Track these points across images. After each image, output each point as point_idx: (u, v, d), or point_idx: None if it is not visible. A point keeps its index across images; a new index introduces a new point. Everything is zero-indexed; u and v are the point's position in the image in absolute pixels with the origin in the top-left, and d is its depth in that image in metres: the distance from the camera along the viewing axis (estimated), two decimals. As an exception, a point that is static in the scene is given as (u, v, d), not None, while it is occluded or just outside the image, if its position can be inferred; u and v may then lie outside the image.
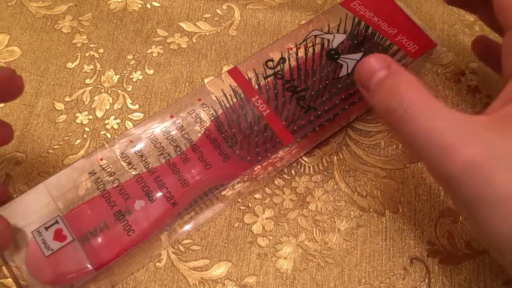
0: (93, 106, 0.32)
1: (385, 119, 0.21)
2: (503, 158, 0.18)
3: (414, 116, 0.19)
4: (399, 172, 0.30)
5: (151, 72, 0.33)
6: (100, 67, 0.33)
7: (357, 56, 0.28)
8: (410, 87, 0.20)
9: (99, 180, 0.25)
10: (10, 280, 0.27)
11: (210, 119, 0.27)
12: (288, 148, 0.27)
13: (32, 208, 0.25)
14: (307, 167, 0.30)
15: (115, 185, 0.25)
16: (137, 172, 0.26)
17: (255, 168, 0.26)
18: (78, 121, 0.31)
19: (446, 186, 0.20)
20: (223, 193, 0.27)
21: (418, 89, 0.20)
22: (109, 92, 0.32)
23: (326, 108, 0.27)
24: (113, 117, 0.31)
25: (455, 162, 0.18)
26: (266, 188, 0.29)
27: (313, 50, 0.28)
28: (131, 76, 0.33)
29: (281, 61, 0.28)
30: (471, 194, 0.18)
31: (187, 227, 0.27)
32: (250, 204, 0.29)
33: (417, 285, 0.27)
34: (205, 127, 0.27)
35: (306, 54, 0.28)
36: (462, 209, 0.21)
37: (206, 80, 0.33)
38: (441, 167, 0.19)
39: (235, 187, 0.27)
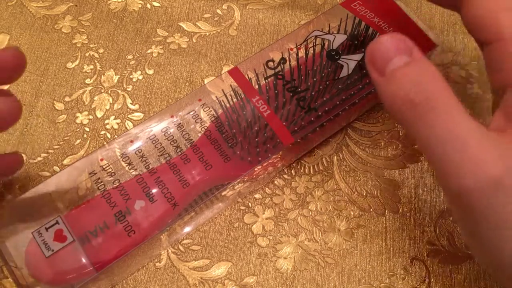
0: (93, 106, 0.32)
1: (398, 111, 0.19)
2: None
3: (440, 116, 0.18)
4: (399, 172, 0.30)
5: (151, 72, 0.33)
6: (100, 67, 0.33)
7: (358, 56, 0.28)
8: (437, 83, 0.18)
9: (99, 180, 0.25)
10: (10, 280, 0.27)
11: (211, 119, 0.27)
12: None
13: (32, 208, 0.25)
14: (307, 167, 0.30)
15: (115, 185, 0.25)
16: (137, 173, 0.26)
17: (256, 169, 0.26)
18: (78, 121, 0.31)
19: (457, 199, 0.18)
20: (223, 193, 0.27)
21: (444, 87, 0.18)
22: (109, 92, 0.32)
23: (326, 108, 0.27)
24: (113, 117, 0.31)
25: (479, 175, 0.17)
26: (266, 188, 0.29)
27: (314, 50, 0.29)
28: (131, 76, 0.33)
29: (282, 61, 0.28)
30: (487, 211, 0.17)
31: (187, 227, 0.27)
32: (250, 204, 0.29)
33: (417, 285, 0.27)
34: (205, 127, 0.27)
35: (306, 54, 0.28)
36: (467, 227, 0.19)
37: (206, 80, 0.33)
38: (460, 178, 0.17)
39: (235, 187, 0.27)
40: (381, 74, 0.19)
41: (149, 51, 0.34)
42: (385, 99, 0.19)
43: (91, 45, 0.34)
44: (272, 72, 0.28)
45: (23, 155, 0.30)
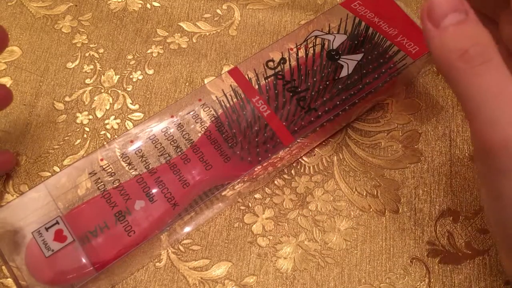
0: (93, 106, 0.32)
1: (448, 61, 0.20)
2: None
3: (494, 69, 0.19)
4: (399, 172, 0.30)
5: (151, 72, 0.33)
6: (100, 67, 0.33)
7: (358, 56, 0.28)
8: (491, 41, 0.19)
9: (99, 180, 0.25)
10: (10, 280, 0.27)
11: (211, 119, 0.27)
12: (288, 149, 0.27)
13: (32, 208, 0.25)
14: (307, 167, 0.30)
15: (115, 185, 0.25)
16: (137, 173, 0.26)
17: (255, 169, 0.26)
18: (78, 121, 0.31)
19: (490, 154, 0.19)
20: (223, 193, 0.27)
21: (496, 48, 0.19)
22: (109, 92, 0.32)
23: (326, 108, 0.27)
24: (113, 117, 0.31)
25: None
26: (266, 188, 0.29)
27: (314, 50, 0.29)
28: (131, 76, 0.33)
29: (282, 61, 0.28)
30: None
31: (187, 227, 0.27)
32: (250, 204, 0.29)
33: (417, 285, 0.27)
34: (205, 127, 0.27)
35: (306, 54, 0.28)
36: (493, 187, 0.20)
37: (206, 80, 0.33)
38: (500, 131, 0.18)
39: (235, 187, 0.27)
40: (436, 26, 0.20)
41: (149, 51, 0.34)
42: (435, 50, 0.20)
43: (91, 45, 0.34)
44: (272, 72, 0.28)
45: (23, 154, 0.30)
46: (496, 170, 0.19)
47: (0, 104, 0.27)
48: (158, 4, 0.35)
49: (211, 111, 0.27)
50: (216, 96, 0.28)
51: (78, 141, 0.31)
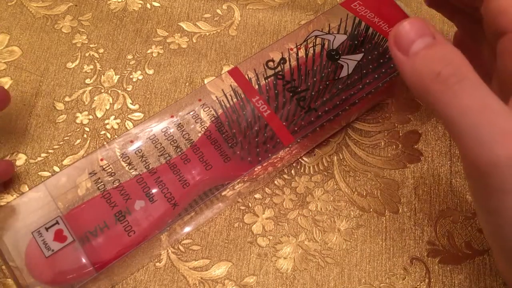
0: (93, 106, 0.32)
1: (423, 86, 0.19)
2: None
3: (469, 87, 0.18)
4: (399, 172, 0.30)
5: (151, 72, 0.33)
6: (100, 67, 0.33)
7: (358, 56, 0.28)
8: (463, 60, 0.19)
9: (99, 180, 0.25)
10: (10, 280, 0.27)
11: (211, 119, 0.27)
12: (288, 149, 0.27)
13: (32, 208, 0.25)
14: (307, 167, 0.30)
15: (115, 185, 0.25)
16: (137, 173, 0.26)
17: (255, 169, 0.26)
18: (78, 121, 0.31)
19: (481, 174, 0.18)
20: (223, 193, 0.27)
21: (470, 65, 0.19)
22: (109, 92, 0.32)
23: (326, 108, 0.27)
24: (113, 117, 0.31)
25: (506, 149, 0.17)
26: (266, 188, 0.29)
27: (314, 50, 0.29)
28: (131, 76, 0.33)
29: (282, 61, 0.28)
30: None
31: (187, 227, 0.27)
32: (250, 204, 0.29)
33: (417, 285, 0.27)
34: (205, 127, 0.27)
35: (306, 54, 0.28)
36: (486, 202, 0.20)
37: (206, 80, 0.33)
38: (487, 151, 0.18)
39: (235, 187, 0.27)
40: (405, 54, 0.20)
41: (149, 51, 0.34)
42: (409, 77, 0.20)
43: (91, 45, 0.34)
44: (272, 72, 0.28)
45: (23, 154, 0.30)
46: (490, 189, 0.19)
47: None
48: (158, 4, 0.35)
49: (211, 111, 0.27)
50: (216, 96, 0.28)
51: (78, 141, 0.31)
